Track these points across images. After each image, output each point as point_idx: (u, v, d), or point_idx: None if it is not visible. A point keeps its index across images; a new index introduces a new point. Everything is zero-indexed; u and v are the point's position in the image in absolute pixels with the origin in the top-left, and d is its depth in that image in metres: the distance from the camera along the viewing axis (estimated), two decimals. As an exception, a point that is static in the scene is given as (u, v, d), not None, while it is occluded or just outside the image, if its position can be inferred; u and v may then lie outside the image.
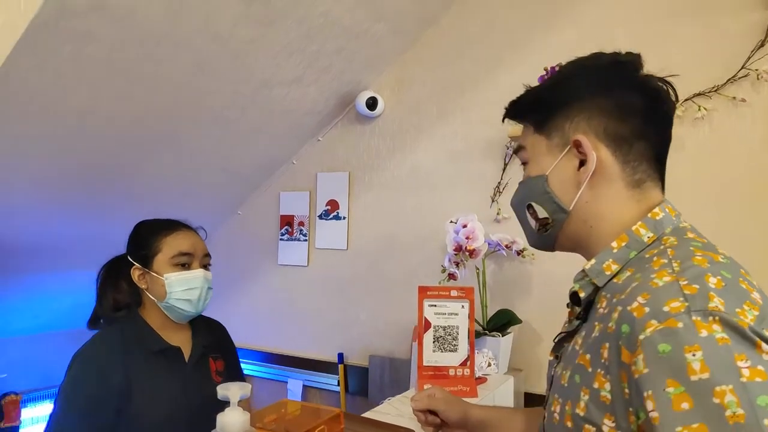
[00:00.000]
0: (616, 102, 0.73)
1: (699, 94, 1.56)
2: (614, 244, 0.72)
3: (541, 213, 0.78)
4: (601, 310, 0.68)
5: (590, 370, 0.64)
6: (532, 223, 0.80)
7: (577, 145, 0.74)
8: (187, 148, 1.88)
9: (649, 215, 0.72)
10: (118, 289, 1.34)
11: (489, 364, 1.58)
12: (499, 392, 1.52)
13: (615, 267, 0.70)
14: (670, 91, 0.75)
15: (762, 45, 1.49)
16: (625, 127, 0.73)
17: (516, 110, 0.84)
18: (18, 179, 1.61)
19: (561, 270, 1.72)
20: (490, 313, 1.74)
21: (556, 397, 0.71)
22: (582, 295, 0.73)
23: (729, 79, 1.52)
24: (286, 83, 1.82)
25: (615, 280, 0.70)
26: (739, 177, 1.52)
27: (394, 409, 1.26)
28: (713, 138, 1.55)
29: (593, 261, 0.72)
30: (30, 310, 2.16)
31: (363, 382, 2.06)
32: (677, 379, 0.54)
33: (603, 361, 0.62)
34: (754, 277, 0.63)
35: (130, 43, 1.36)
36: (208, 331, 1.40)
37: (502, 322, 1.71)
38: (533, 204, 0.79)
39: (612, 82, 0.74)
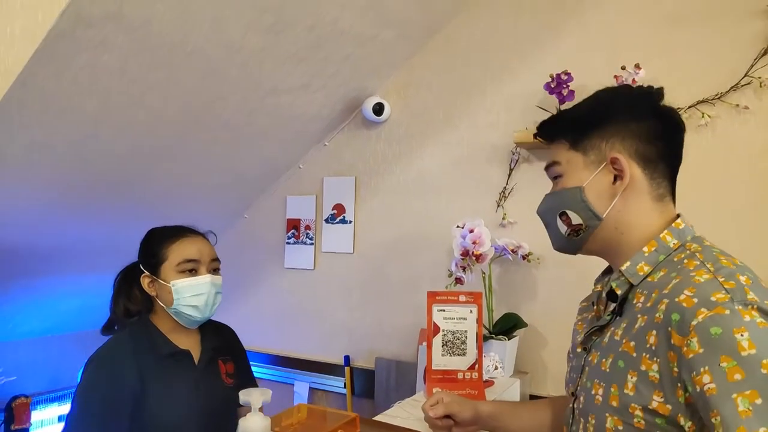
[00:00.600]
0: (645, 127, 0.85)
1: (703, 101, 1.58)
2: (645, 249, 0.83)
3: (576, 220, 0.88)
4: (639, 305, 0.79)
5: (635, 355, 0.76)
6: (563, 228, 0.90)
7: (614, 162, 0.85)
8: (196, 153, 1.90)
9: (674, 225, 0.84)
10: (130, 296, 1.37)
11: (496, 368, 1.61)
12: (506, 395, 1.55)
13: (647, 268, 0.82)
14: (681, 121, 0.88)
15: (765, 53, 1.51)
16: (652, 149, 0.85)
17: (551, 130, 0.92)
18: (31, 184, 1.63)
19: (565, 274, 1.75)
20: (496, 316, 1.77)
21: (597, 381, 0.82)
22: (619, 292, 0.84)
23: (732, 87, 1.55)
24: (294, 90, 1.84)
25: (649, 279, 0.81)
26: (741, 183, 1.54)
27: (404, 412, 1.28)
28: (716, 145, 1.57)
29: (628, 263, 0.84)
30: (39, 313, 2.19)
31: (369, 385, 2.08)
32: (730, 355, 0.66)
33: (649, 346, 0.74)
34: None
35: (143, 51, 1.38)
36: (216, 335, 1.43)
37: (508, 325, 1.73)
38: (568, 211, 0.89)
39: (642, 110, 0.86)
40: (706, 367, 0.66)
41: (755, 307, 0.67)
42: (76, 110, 1.45)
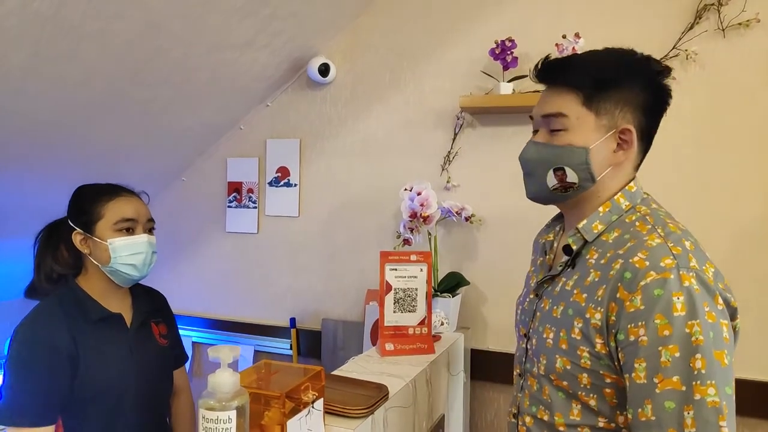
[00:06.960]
0: (649, 100, 0.87)
1: (635, 71, 1.68)
2: (601, 209, 0.89)
3: (571, 178, 0.88)
4: (592, 261, 0.86)
5: (584, 305, 0.85)
6: (552, 182, 0.90)
7: (624, 132, 0.87)
8: (132, 111, 1.80)
9: (627, 188, 0.90)
10: (57, 256, 1.33)
11: (442, 323, 1.68)
12: (452, 349, 1.62)
13: (601, 227, 0.89)
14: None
15: (691, 27, 1.62)
16: (650, 123, 0.88)
17: (565, 74, 0.88)
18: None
19: (505, 235, 1.84)
20: (441, 275, 1.83)
21: (548, 326, 0.90)
22: (574, 247, 0.90)
23: (662, 58, 1.65)
24: (238, 47, 1.78)
25: (603, 238, 0.87)
26: (670, 147, 1.66)
27: (359, 367, 1.32)
28: (646, 112, 1.68)
29: (585, 221, 0.89)
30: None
31: (315, 346, 2.11)
32: (664, 314, 0.75)
33: (597, 298, 0.83)
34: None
35: (78, 0, 1.29)
36: (148, 299, 1.43)
37: (451, 284, 1.80)
38: (566, 168, 0.88)
39: (650, 81, 0.87)
40: (643, 322, 0.77)
41: (694, 275, 0.77)
42: (3, 61, 1.33)
